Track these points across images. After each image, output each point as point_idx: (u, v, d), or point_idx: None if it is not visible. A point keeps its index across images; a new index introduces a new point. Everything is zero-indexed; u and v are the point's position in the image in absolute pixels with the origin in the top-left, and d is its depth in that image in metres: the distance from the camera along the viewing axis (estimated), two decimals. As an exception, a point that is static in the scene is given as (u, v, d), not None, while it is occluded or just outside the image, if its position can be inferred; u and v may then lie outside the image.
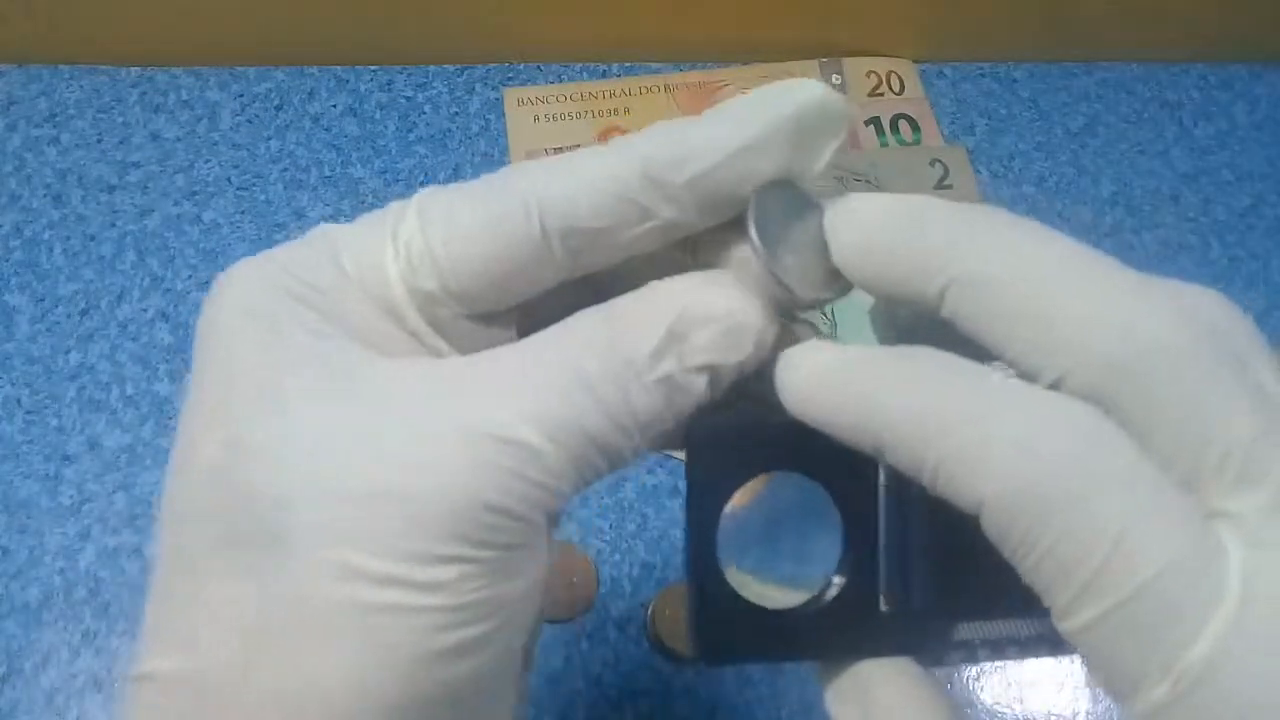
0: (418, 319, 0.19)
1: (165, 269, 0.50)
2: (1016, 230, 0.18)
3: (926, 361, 0.18)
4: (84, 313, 0.48)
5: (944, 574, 0.21)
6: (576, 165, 0.19)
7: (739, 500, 0.22)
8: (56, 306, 0.49)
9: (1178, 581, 0.15)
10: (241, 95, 0.56)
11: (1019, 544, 0.16)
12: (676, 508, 0.45)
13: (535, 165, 0.20)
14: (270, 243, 0.20)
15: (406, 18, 0.55)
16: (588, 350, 0.18)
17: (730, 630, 0.21)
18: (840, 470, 0.21)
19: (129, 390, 0.47)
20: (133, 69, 0.56)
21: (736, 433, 0.21)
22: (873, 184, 0.54)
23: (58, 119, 0.54)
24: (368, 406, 0.17)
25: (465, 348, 0.20)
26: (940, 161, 0.55)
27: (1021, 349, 0.17)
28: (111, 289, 0.49)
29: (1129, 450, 0.16)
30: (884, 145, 0.57)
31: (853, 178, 0.54)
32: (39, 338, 0.48)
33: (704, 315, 0.19)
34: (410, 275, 0.19)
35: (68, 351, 0.47)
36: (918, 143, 0.57)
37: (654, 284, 0.19)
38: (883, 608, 0.22)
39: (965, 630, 0.22)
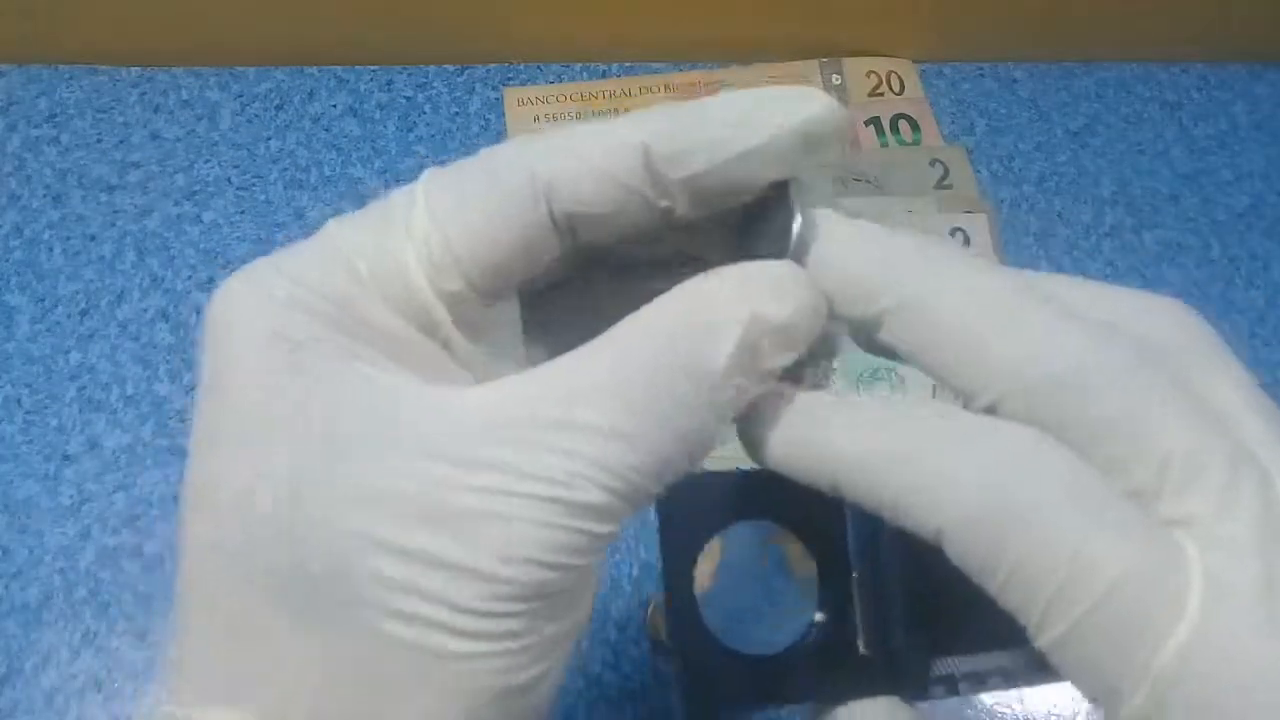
0: (450, 325, 0.19)
1: (165, 269, 0.50)
2: (946, 259, 0.18)
3: (873, 403, 0.19)
4: (84, 313, 0.48)
5: (919, 611, 0.22)
6: (580, 148, 0.19)
7: (715, 552, 0.22)
8: (56, 306, 0.49)
9: (1140, 586, 0.16)
10: (241, 95, 0.56)
11: (981, 569, 0.17)
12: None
13: (537, 145, 0.19)
14: (271, 243, 0.20)
15: (406, 18, 0.55)
16: (662, 379, 0.18)
17: (716, 680, 0.22)
18: (810, 515, 0.21)
19: (129, 390, 0.47)
20: (133, 69, 0.56)
21: (705, 484, 0.21)
22: (873, 184, 0.54)
23: (58, 119, 0.54)
24: (424, 455, 0.17)
25: (472, 329, 0.20)
26: (940, 161, 0.55)
27: (954, 375, 0.18)
28: (111, 289, 0.49)
29: (1072, 466, 0.17)
30: (884, 145, 0.56)
31: (852, 178, 0.54)
32: (39, 338, 0.48)
33: (772, 323, 0.18)
34: (436, 278, 0.19)
35: (68, 351, 0.47)
36: (918, 143, 0.57)
37: (703, 290, 0.19)
38: (861, 649, 0.22)
39: (945, 665, 0.22)
